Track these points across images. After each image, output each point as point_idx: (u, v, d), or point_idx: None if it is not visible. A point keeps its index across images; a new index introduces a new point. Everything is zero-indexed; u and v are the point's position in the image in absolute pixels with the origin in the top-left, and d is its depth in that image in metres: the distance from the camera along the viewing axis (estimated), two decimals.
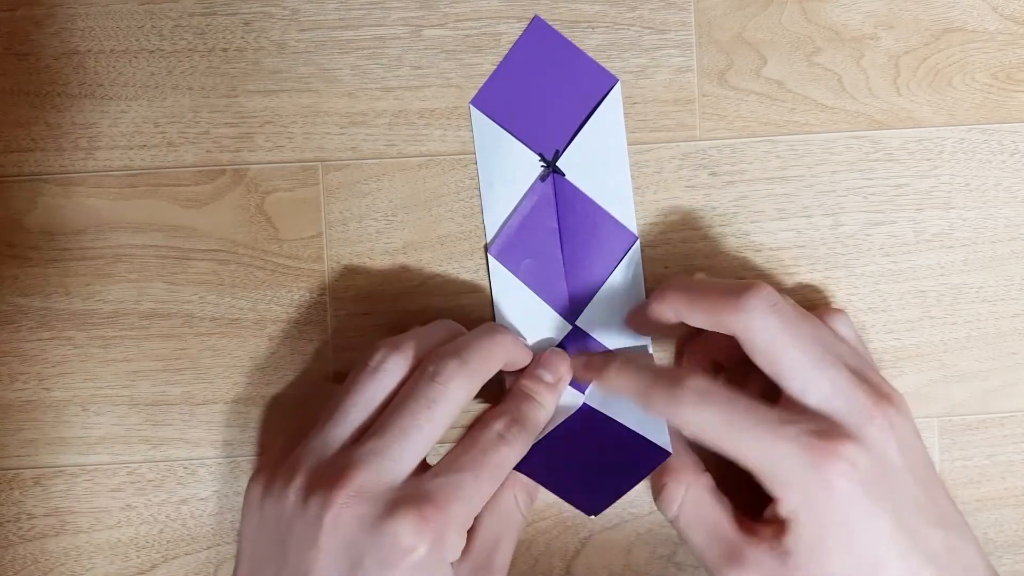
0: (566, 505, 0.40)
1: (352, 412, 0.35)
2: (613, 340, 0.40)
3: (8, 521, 0.40)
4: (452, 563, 0.34)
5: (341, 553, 0.33)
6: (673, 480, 0.37)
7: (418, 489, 0.33)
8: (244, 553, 0.35)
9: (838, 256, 0.40)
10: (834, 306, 0.39)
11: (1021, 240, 0.40)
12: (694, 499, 0.37)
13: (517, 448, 0.36)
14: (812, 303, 0.40)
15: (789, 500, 0.34)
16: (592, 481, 0.38)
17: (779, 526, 0.34)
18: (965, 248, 0.40)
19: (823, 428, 0.34)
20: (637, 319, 0.39)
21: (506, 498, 0.37)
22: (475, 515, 0.35)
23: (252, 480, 0.35)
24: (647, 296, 0.40)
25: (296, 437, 0.36)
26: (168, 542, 0.40)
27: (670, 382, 0.35)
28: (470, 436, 0.36)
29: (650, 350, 0.40)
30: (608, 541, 0.40)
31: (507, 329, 0.38)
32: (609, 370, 0.37)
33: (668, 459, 0.37)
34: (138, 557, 0.40)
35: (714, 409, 0.35)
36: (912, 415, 0.36)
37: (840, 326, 0.37)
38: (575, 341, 0.40)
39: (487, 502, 0.36)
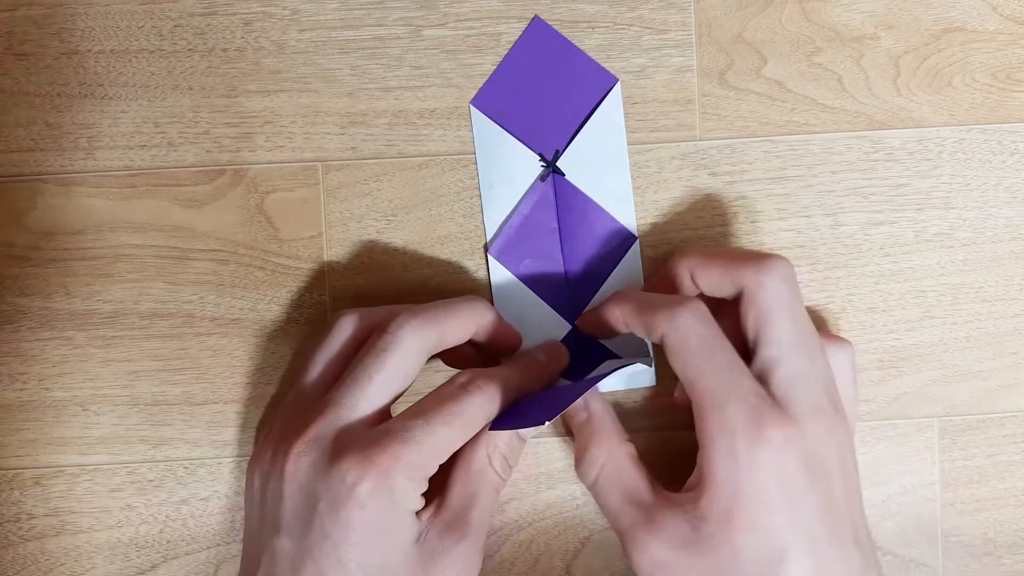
0: (566, 505, 0.40)
1: (312, 370, 0.37)
2: (612, 340, 0.40)
3: (8, 521, 0.40)
4: (418, 514, 0.35)
5: (300, 500, 0.34)
6: (595, 445, 0.37)
7: (366, 433, 0.34)
8: (245, 523, 0.37)
9: (838, 256, 0.40)
10: (843, 339, 0.39)
11: (1021, 240, 0.40)
12: (614, 464, 0.36)
13: (479, 399, 0.35)
14: (812, 303, 0.40)
15: (715, 449, 0.34)
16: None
17: (697, 492, 0.34)
18: (965, 248, 0.40)
19: (776, 405, 0.34)
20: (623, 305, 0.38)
21: (479, 455, 0.36)
22: (432, 463, 0.34)
23: (248, 463, 0.37)
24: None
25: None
26: (168, 542, 0.40)
27: (677, 298, 0.36)
28: (436, 389, 0.36)
29: (649, 349, 0.40)
30: (608, 541, 0.40)
31: (486, 303, 0.38)
32: (612, 299, 0.38)
33: (591, 425, 0.37)
34: (138, 557, 0.40)
35: (705, 330, 0.35)
36: (854, 449, 0.36)
37: (840, 358, 0.37)
38: (574, 341, 0.40)
39: (460, 460, 0.36)
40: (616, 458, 0.37)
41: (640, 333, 0.36)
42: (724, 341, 0.35)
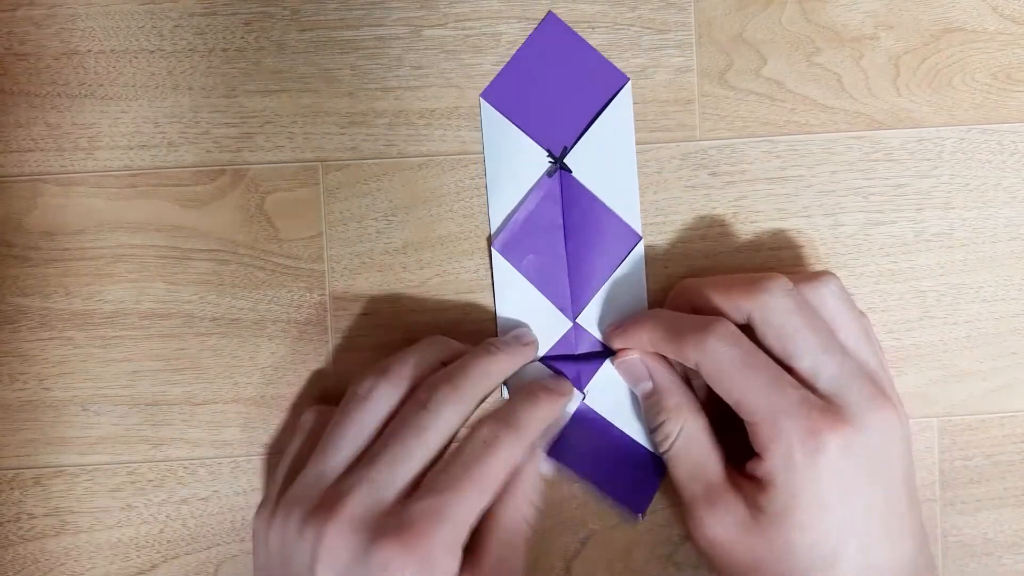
0: (566, 505, 0.40)
1: (343, 443, 0.35)
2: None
3: (8, 521, 0.40)
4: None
5: None
6: (671, 418, 0.37)
7: (401, 517, 0.34)
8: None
9: (838, 256, 0.40)
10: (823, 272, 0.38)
11: (1021, 240, 0.40)
12: (687, 436, 0.37)
13: (506, 452, 0.35)
14: None
15: (773, 459, 0.34)
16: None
17: (760, 484, 0.35)
18: (965, 248, 0.40)
19: (828, 406, 0.34)
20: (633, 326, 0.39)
21: (510, 513, 0.36)
22: (468, 530, 0.34)
23: (256, 514, 0.36)
24: (647, 301, 0.40)
25: (295, 466, 0.36)
26: (168, 542, 0.40)
27: (703, 322, 0.36)
28: (458, 447, 0.35)
29: None
30: (608, 541, 0.40)
31: (502, 344, 0.38)
32: (641, 320, 0.38)
33: (660, 396, 0.38)
34: (138, 557, 0.40)
35: (738, 350, 0.35)
36: (910, 429, 0.36)
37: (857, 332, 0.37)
38: (576, 338, 0.40)
39: (493, 517, 0.35)
40: (689, 430, 0.37)
41: (672, 357, 0.37)
42: (759, 355, 0.35)
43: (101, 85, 0.39)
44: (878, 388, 0.35)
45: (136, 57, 0.39)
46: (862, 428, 0.34)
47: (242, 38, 0.39)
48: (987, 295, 0.40)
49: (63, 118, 0.39)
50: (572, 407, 0.40)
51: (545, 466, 0.39)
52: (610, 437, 0.40)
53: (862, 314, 0.37)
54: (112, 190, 0.39)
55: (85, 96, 0.39)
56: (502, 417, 0.36)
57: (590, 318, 0.40)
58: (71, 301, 0.40)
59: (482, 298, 0.40)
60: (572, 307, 0.40)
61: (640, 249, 0.40)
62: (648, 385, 0.38)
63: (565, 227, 0.40)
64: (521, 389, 0.38)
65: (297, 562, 0.34)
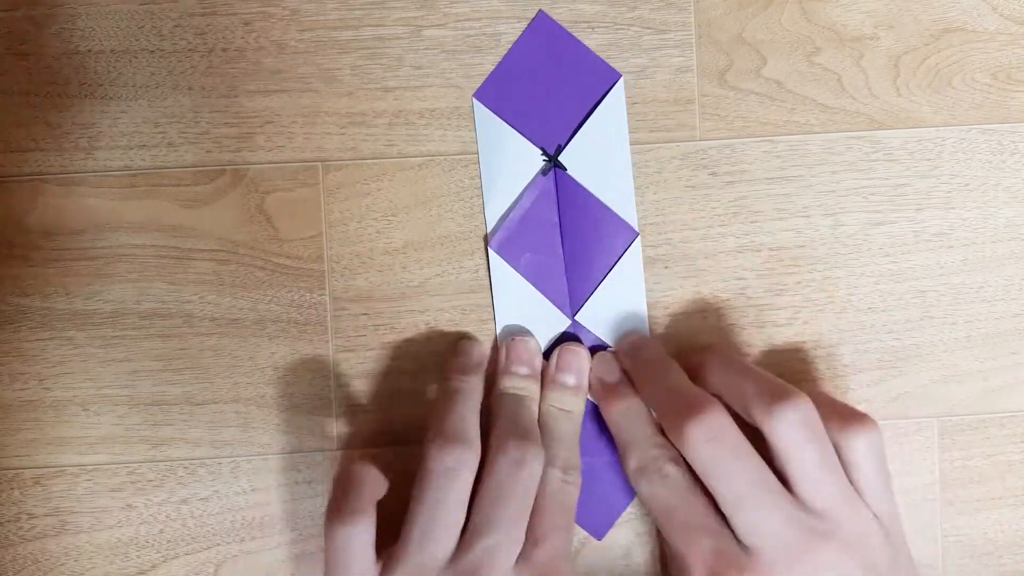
0: None
1: (451, 518, 0.36)
2: (612, 335, 0.40)
3: (8, 521, 0.40)
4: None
5: None
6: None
7: (537, 568, 0.35)
8: None
9: (838, 256, 0.40)
10: (861, 416, 0.36)
11: (1021, 240, 0.40)
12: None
13: (577, 482, 0.38)
14: (813, 303, 0.40)
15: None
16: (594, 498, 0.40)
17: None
18: (965, 248, 0.40)
19: (737, 553, 0.35)
20: (614, 378, 0.40)
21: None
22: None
23: None
24: (644, 297, 0.40)
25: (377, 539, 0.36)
26: (168, 542, 0.40)
27: (660, 457, 0.37)
28: (540, 496, 0.37)
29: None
30: (608, 541, 0.40)
31: (521, 378, 0.39)
32: (649, 367, 0.39)
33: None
34: (138, 557, 0.40)
35: (670, 490, 0.36)
36: (880, 543, 0.35)
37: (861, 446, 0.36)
38: (574, 336, 0.40)
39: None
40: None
41: (736, 408, 0.37)
42: (686, 499, 0.36)
43: (101, 85, 0.39)
44: (811, 529, 0.34)
45: (136, 57, 0.39)
46: (853, 545, 0.34)
47: (242, 38, 0.39)
48: (987, 295, 0.40)
49: (63, 118, 0.39)
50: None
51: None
52: (583, 461, 0.40)
53: (858, 428, 0.36)
54: (112, 190, 0.39)
55: (85, 96, 0.39)
56: (559, 451, 0.38)
57: (589, 315, 0.40)
58: (71, 301, 0.40)
59: (482, 298, 0.40)
60: (570, 305, 0.40)
61: (637, 245, 0.40)
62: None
63: (561, 225, 0.40)
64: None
65: None
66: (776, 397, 0.35)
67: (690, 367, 0.38)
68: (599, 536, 0.40)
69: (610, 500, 0.40)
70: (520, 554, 0.36)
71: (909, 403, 0.40)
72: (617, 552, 0.40)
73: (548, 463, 0.37)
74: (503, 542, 0.35)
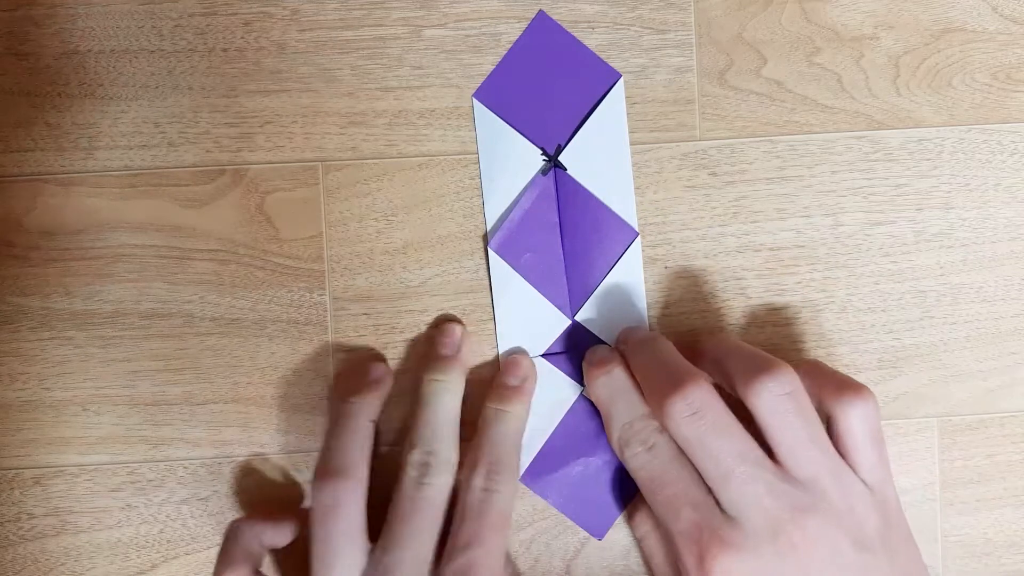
0: None
1: (425, 538, 0.36)
2: (612, 335, 0.40)
3: (8, 521, 0.40)
4: None
5: None
6: (642, 511, 0.39)
7: None
8: None
9: (838, 256, 0.40)
10: (856, 387, 0.36)
11: (1021, 240, 0.40)
12: (658, 537, 0.38)
13: (507, 487, 0.37)
14: (812, 303, 0.40)
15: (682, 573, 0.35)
16: (593, 499, 0.40)
17: None
18: (965, 248, 0.40)
19: (720, 524, 0.34)
20: (603, 352, 0.39)
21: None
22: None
23: None
24: (644, 297, 0.40)
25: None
26: (168, 542, 0.40)
27: (648, 430, 0.36)
28: (460, 504, 0.37)
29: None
30: (608, 541, 0.40)
31: (506, 401, 0.38)
32: (642, 344, 0.38)
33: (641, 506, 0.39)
34: (138, 557, 0.40)
35: (654, 460, 0.36)
36: (867, 514, 0.35)
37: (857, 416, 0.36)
38: (574, 336, 0.40)
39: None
40: (660, 533, 0.38)
41: (722, 383, 0.37)
42: (670, 469, 0.35)
43: (101, 85, 0.39)
44: (797, 500, 0.34)
45: (136, 57, 0.39)
46: (755, 546, 0.34)
47: (242, 38, 0.39)
48: (987, 295, 0.40)
49: (63, 118, 0.39)
50: (571, 399, 0.40)
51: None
52: (581, 461, 0.40)
53: (853, 398, 0.36)
54: (112, 190, 0.39)
55: (85, 96, 0.39)
56: (484, 455, 0.37)
57: (589, 315, 0.40)
58: (71, 301, 0.40)
59: (482, 298, 0.40)
60: (570, 305, 0.40)
61: (637, 245, 0.40)
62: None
63: (561, 225, 0.40)
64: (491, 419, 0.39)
65: None
66: (759, 370, 0.35)
67: (689, 353, 0.38)
68: (599, 536, 0.40)
69: (610, 500, 0.40)
70: (434, 569, 0.36)
71: (909, 403, 0.40)
72: (617, 552, 0.40)
73: (470, 469, 0.37)
74: (407, 559, 0.35)
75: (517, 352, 0.40)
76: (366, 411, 0.38)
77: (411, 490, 0.36)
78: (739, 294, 0.40)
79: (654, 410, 0.36)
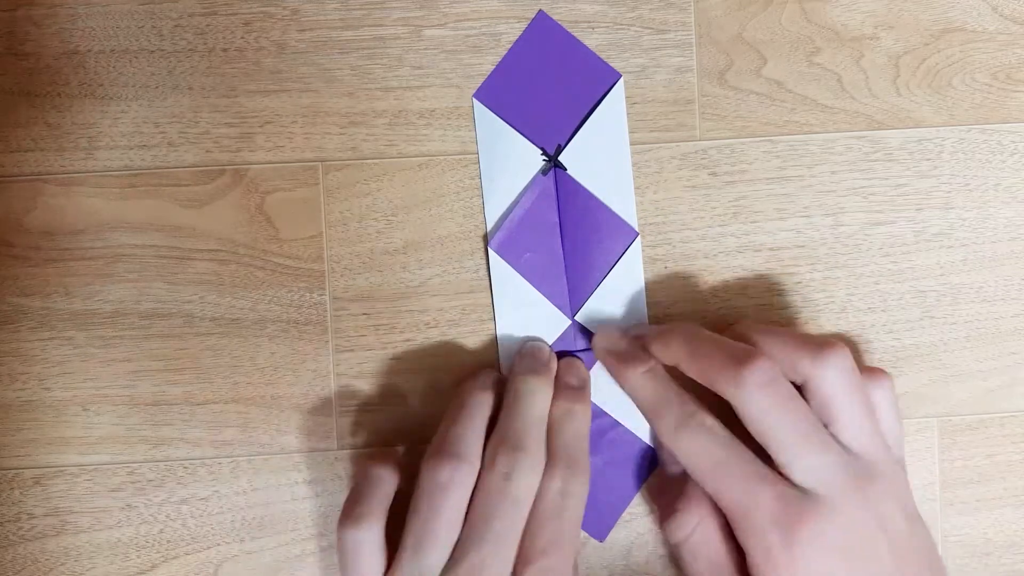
0: None
1: (441, 534, 0.35)
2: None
3: (8, 521, 0.40)
4: None
5: None
6: (687, 510, 0.37)
7: None
8: None
9: (838, 256, 0.40)
10: (879, 369, 0.38)
11: (1021, 240, 0.40)
12: (704, 532, 0.37)
13: (583, 489, 0.37)
14: (812, 303, 0.40)
15: (754, 558, 0.35)
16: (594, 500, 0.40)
17: None
18: (965, 248, 0.40)
19: (799, 496, 0.35)
20: (625, 346, 0.39)
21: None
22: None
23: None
24: (644, 297, 0.40)
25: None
26: (168, 542, 0.40)
27: (684, 416, 0.36)
28: (535, 510, 0.36)
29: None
30: (608, 541, 0.40)
31: (535, 379, 0.38)
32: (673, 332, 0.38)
33: (685, 483, 0.38)
34: (138, 557, 0.40)
35: (716, 445, 0.36)
36: (905, 486, 0.36)
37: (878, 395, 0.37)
38: (575, 335, 0.40)
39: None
40: (706, 526, 0.37)
41: (700, 382, 0.37)
42: (733, 449, 0.35)
43: (101, 85, 0.39)
44: (859, 470, 0.35)
45: (136, 57, 0.39)
46: (834, 514, 0.34)
47: (242, 38, 0.39)
48: (987, 295, 0.40)
49: (63, 118, 0.39)
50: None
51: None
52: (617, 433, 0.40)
53: (879, 378, 0.37)
54: (112, 190, 0.39)
55: (85, 96, 0.39)
56: (560, 459, 0.37)
57: (589, 315, 0.40)
58: (71, 301, 0.40)
59: (482, 298, 0.40)
60: (570, 305, 0.40)
61: (637, 245, 0.40)
62: (676, 468, 0.39)
63: (561, 225, 0.40)
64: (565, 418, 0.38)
65: None
66: (821, 347, 0.36)
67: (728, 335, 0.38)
68: (601, 537, 0.40)
69: (611, 500, 0.40)
70: (512, 573, 0.35)
71: (909, 403, 0.40)
72: (617, 552, 0.40)
73: (547, 473, 0.37)
74: (488, 560, 0.35)
75: (538, 343, 0.40)
76: (488, 404, 0.38)
77: (498, 488, 0.36)
78: (739, 294, 0.40)
79: (723, 384, 0.35)
